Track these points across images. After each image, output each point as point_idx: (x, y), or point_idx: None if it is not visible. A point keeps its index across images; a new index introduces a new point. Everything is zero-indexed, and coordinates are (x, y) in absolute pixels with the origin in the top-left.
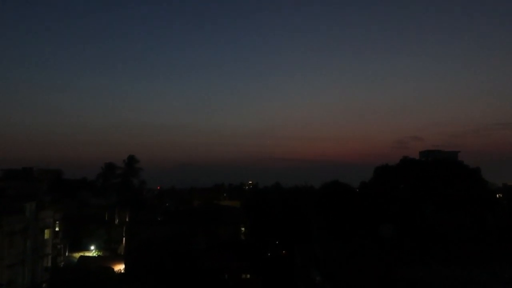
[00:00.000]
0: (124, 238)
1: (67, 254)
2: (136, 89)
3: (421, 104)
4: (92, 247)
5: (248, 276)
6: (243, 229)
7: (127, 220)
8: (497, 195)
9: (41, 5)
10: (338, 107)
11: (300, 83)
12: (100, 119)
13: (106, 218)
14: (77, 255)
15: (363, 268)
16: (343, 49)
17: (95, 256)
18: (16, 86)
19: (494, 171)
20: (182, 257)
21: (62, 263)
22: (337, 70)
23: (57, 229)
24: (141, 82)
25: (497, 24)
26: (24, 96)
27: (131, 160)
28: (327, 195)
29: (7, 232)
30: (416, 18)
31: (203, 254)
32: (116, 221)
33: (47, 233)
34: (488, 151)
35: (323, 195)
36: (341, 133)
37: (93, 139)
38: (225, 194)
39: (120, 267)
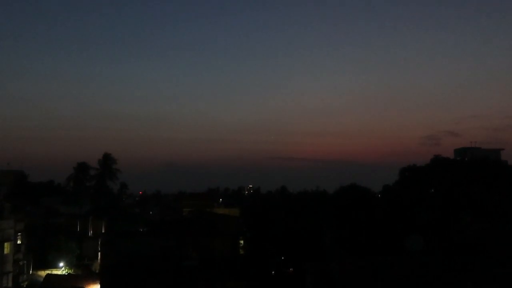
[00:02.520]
0: (99, 253)
1: (31, 272)
2: (112, 75)
3: (457, 92)
4: (61, 264)
5: None
6: (242, 242)
7: (103, 231)
8: None
9: None
10: (356, 97)
11: (310, 67)
12: (70, 110)
13: (78, 229)
14: (43, 273)
15: None
16: (361, 28)
17: (64, 275)
18: None
19: None
20: (169, 276)
21: (25, 282)
22: (355, 52)
23: (19, 242)
24: (118, 67)
25: None
26: None
27: (108, 160)
28: (343, 201)
29: None
30: None
31: (195, 272)
32: (90, 233)
33: (7, 247)
34: None
35: (338, 202)
36: (359, 128)
37: (62, 134)
38: (220, 201)
39: None
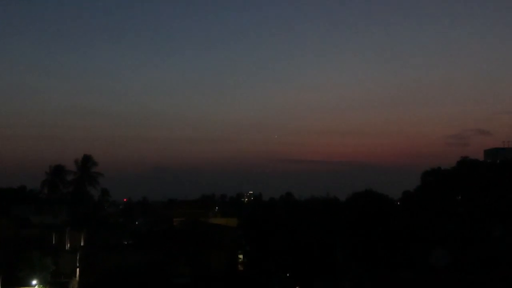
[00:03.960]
0: (78, 270)
1: None
2: (93, 66)
3: (488, 85)
4: (34, 282)
5: None
6: (241, 256)
7: (82, 244)
8: None
9: None
10: (372, 90)
11: (320, 56)
12: (44, 106)
13: (54, 242)
14: None
15: None
16: (381, 10)
17: None
18: None
19: None
20: None
21: None
22: (373, 40)
23: None
24: (100, 57)
25: None
26: None
27: (87, 162)
28: (357, 209)
29: None
30: None
31: None
32: (67, 246)
33: None
34: None
35: (352, 210)
36: (375, 126)
37: (34, 132)
38: (216, 209)
39: None
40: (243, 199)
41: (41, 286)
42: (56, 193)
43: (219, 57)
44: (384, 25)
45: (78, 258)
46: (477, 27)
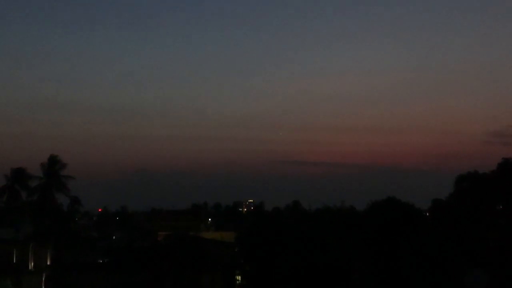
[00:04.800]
0: None
1: None
2: (63, 52)
3: None
4: None
5: None
6: (239, 278)
7: (48, 263)
8: None
9: None
10: (396, 79)
11: (332, 40)
12: (2, 98)
13: (15, 261)
14: None
15: None
16: None
17: None
18: None
19: None
20: None
21: None
22: (397, 19)
23: None
24: (71, 42)
25: None
26: None
27: (54, 165)
28: (378, 222)
29: None
30: None
31: None
32: (31, 266)
33: None
34: None
35: (372, 222)
36: (400, 121)
37: None
38: (209, 221)
39: None
40: (241, 209)
41: None
42: (18, 202)
43: (216, 46)
44: (410, 3)
45: (43, 279)
46: None
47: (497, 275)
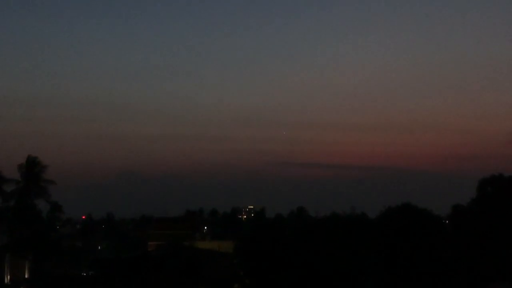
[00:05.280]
0: None
1: None
2: (42, 40)
3: None
4: None
5: None
6: None
7: (26, 276)
8: None
9: None
10: (410, 73)
11: (341, 29)
12: None
13: None
14: None
15: None
16: None
17: None
18: None
19: None
20: None
21: None
22: (415, 5)
23: None
24: (51, 28)
25: None
26: None
27: (33, 167)
28: (392, 230)
29: None
30: None
31: None
32: (7, 279)
33: None
34: None
35: (385, 231)
36: (416, 118)
37: None
38: (205, 229)
39: None
40: (240, 216)
41: None
42: None
43: (212, 35)
44: None
45: None
46: None
47: None
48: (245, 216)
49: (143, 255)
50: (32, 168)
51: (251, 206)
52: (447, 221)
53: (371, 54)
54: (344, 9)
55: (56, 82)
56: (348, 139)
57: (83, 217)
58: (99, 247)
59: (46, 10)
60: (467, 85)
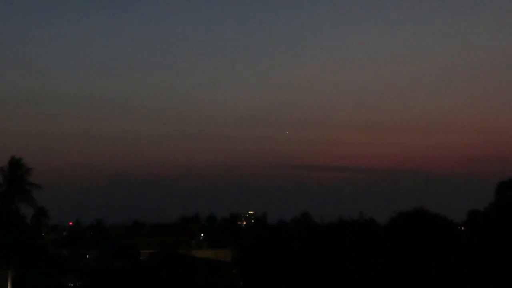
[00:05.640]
0: None
1: None
2: (23, 31)
3: None
4: None
5: None
6: None
7: (9, 287)
8: None
9: None
10: (425, 69)
11: (350, 23)
12: None
13: None
14: None
15: None
16: None
17: None
18: None
19: None
20: None
21: None
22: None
23: None
24: (32, 18)
25: None
26: None
27: (17, 169)
28: (403, 237)
29: None
30: None
31: None
32: None
33: None
34: None
35: (396, 238)
36: (430, 118)
37: None
38: (201, 236)
39: None
40: (240, 223)
41: None
42: None
43: (210, 24)
44: None
45: None
46: None
47: None
48: (245, 223)
49: (135, 264)
50: (15, 170)
51: (252, 211)
52: (463, 228)
53: (385, 48)
54: (352, 1)
55: (41, 78)
56: (356, 140)
57: (71, 223)
58: (87, 256)
59: (31, 6)
60: (486, 83)
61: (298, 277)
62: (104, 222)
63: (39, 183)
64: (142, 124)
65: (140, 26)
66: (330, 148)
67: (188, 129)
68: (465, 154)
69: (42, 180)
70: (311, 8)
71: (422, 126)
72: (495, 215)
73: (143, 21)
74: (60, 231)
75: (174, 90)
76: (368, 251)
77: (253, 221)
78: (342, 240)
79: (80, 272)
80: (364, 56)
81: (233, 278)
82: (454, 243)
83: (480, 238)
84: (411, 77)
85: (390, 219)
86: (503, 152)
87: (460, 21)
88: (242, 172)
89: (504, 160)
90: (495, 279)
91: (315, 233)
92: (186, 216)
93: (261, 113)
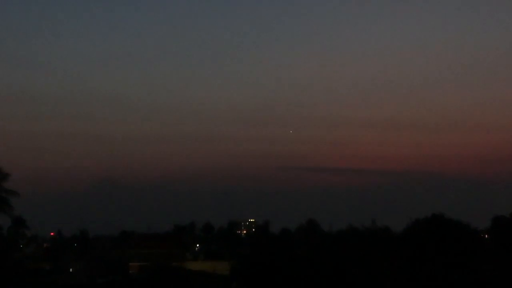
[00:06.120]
0: None
1: None
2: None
3: None
4: None
5: None
6: None
7: None
8: None
9: None
10: (445, 62)
11: (358, 13)
12: None
13: None
14: None
15: None
16: None
17: None
18: None
19: None
20: None
21: None
22: None
23: None
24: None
25: None
26: None
27: None
28: (421, 247)
29: None
30: None
31: None
32: None
33: None
34: None
35: (413, 248)
36: (449, 116)
37: None
38: (197, 247)
39: None
40: (239, 232)
41: None
42: None
43: (201, 22)
44: None
45: None
46: None
47: None
48: (245, 232)
49: (123, 279)
50: None
51: (252, 219)
52: (486, 236)
53: (399, 40)
54: None
55: (20, 74)
56: (368, 139)
57: (52, 234)
58: (70, 270)
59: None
60: (508, 76)
61: None
62: (89, 232)
63: (16, 190)
64: (131, 123)
65: (138, 22)
66: (337, 148)
67: (182, 129)
68: (487, 154)
69: (20, 186)
70: (312, 3)
71: (438, 125)
72: None
73: (140, 17)
74: (40, 243)
75: (167, 87)
76: (382, 262)
77: (254, 230)
78: (353, 250)
79: (63, 287)
80: (374, 48)
81: None
82: (477, 252)
83: (506, 246)
84: (427, 72)
85: (406, 227)
86: None
87: (481, 11)
88: (241, 176)
89: None
90: None
91: (323, 243)
92: (180, 225)
93: (263, 111)
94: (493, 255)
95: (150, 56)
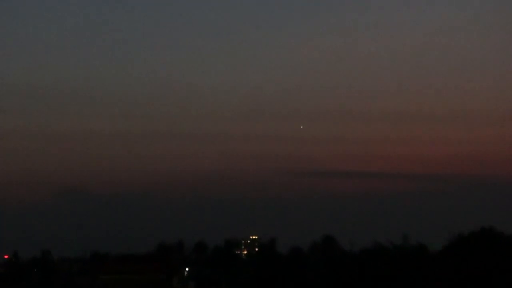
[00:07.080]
0: None
1: None
2: None
3: None
4: None
5: None
6: None
7: None
8: None
9: None
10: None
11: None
12: None
13: None
14: None
15: None
16: None
17: None
18: None
19: None
20: None
21: None
22: None
23: None
24: None
25: None
26: None
27: None
28: (465, 267)
29: None
30: None
31: None
32: None
33: None
34: None
35: (455, 268)
36: (490, 107)
37: None
38: (186, 271)
39: None
40: (239, 251)
41: None
42: None
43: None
44: None
45: None
46: None
47: None
48: (245, 252)
49: None
50: None
51: (255, 236)
52: None
53: (424, 17)
54: None
55: None
56: (393, 136)
57: (6, 256)
58: None
59: None
60: None
61: None
62: (51, 254)
63: None
64: (105, 120)
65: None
66: (354, 148)
67: (169, 126)
68: None
69: None
70: None
71: (476, 118)
72: None
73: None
74: None
75: (156, 76)
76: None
77: (257, 249)
78: (381, 272)
79: None
80: (395, 28)
81: None
82: None
83: None
84: (458, 55)
85: (446, 244)
86: None
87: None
88: (241, 182)
89: None
90: None
91: (343, 264)
92: (166, 243)
93: (266, 103)
94: None
95: (134, 43)
